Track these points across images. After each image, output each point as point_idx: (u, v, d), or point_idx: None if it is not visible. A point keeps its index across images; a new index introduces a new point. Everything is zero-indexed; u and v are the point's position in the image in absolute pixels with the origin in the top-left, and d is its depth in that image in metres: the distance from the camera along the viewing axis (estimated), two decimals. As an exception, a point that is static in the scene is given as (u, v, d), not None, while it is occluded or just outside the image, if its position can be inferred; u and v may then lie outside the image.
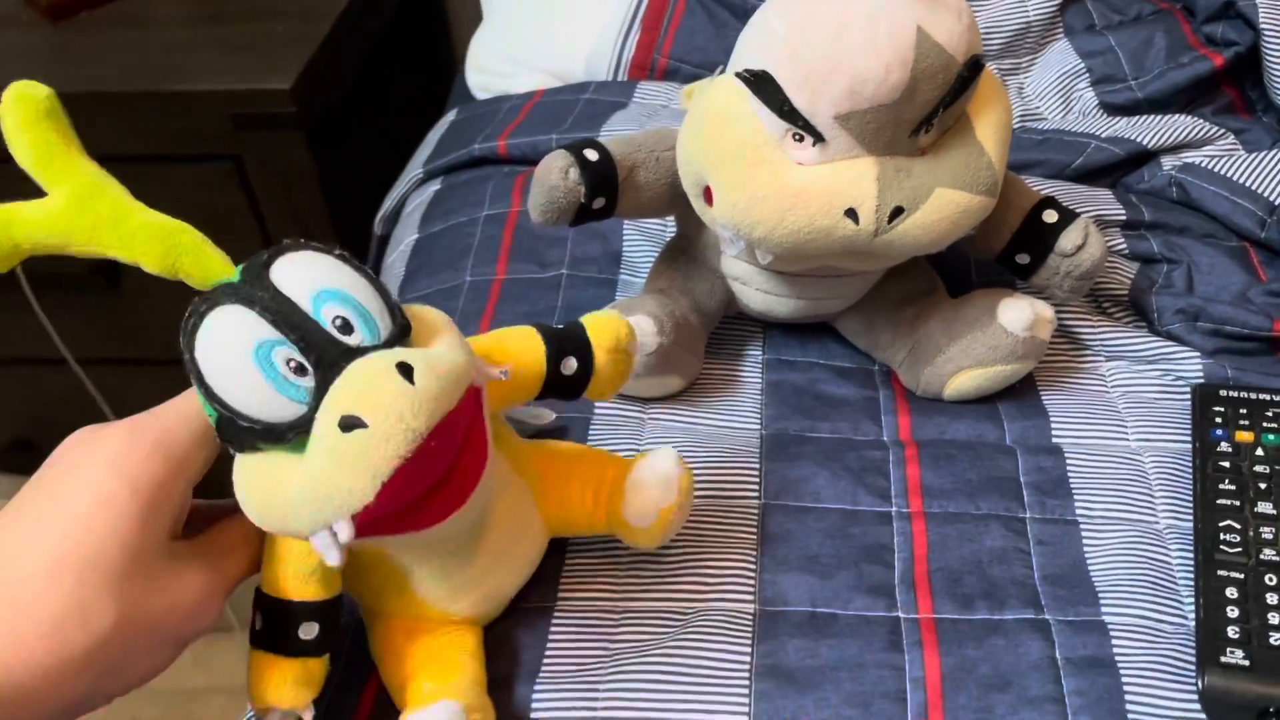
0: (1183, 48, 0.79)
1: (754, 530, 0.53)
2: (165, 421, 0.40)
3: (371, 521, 0.36)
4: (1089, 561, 0.51)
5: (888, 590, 0.50)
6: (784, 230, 0.49)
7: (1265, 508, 0.51)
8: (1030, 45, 0.85)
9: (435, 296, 0.70)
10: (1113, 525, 0.53)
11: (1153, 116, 0.76)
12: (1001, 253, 0.58)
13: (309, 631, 0.42)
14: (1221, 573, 0.48)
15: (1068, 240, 0.55)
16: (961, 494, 0.54)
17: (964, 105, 0.50)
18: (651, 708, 0.45)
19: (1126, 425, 0.58)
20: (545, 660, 0.48)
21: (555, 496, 0.49)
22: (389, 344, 0.38)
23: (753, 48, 0.50)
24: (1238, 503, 0.51)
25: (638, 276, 0.69)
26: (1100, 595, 0.49)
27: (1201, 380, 0.60)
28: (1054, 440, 0.57)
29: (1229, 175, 0.70)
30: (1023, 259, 0.57)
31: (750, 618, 0.49)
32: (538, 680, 0.47)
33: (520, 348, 0.46)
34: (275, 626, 0.42)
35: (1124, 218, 0.68)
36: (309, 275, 0.37)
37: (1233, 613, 0.46)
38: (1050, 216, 0.56)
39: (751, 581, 0.50)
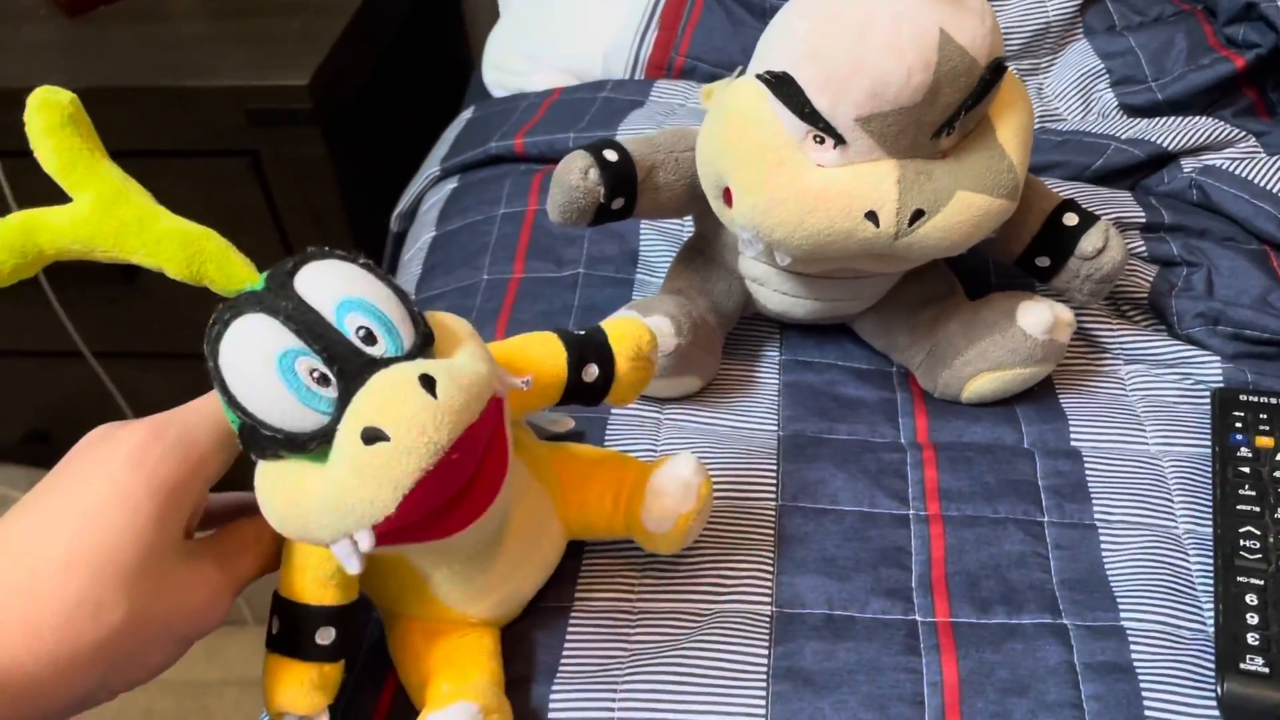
0: (1203, 49, 0.79)
1: (771, 532, 0.53)
2: (186, 421, 0.40)
3: (392, 531, 0.36)
4: (1107, 566, 0.51)
5: (905, 593, 0.50)
6: (804, 232, 0.49)
7: (1286, 514, 0.50)
8: (1050, 46, 0.85)
9: (452, 294, 0.70)
10: (1131, 530, 0.53)
11: (1173, 118, 0.76)
12: (1021, 256, 0.58)
13: (325, 636, 0.42)
14: (1241, 579, 0.48)
15: (1088, 243, 0.55)
16: (979, 497, 0.54)
17: (986, 108, 0.50)
18: (669, 708, 0.45)
19: (1146, 429, 0.58)
20: (563, 661, 0.48)
21: (574, 500, 0.49)
22: (412, 355, 0.38)
23: (774, 48, 0.50)
24: (1258, 508, 0.51)
25: (654, 276, 0.69)
26: (1119, 600, 0.49)
27: (1221, 384, 0.60)
28: (1072, 444, 0.57)
29: (1249, 178, 0.69)
30: (1042, 262, 0.57)
31: (767, 619, 0.49)
32: (555, 680, 0.47)
33: (542, 355, 0.46)
34: (292, 631, 0.42)
35: (1143, 220, 0.68)
36: (333, 284, 0.37)
37: (1252, 619, 0.46)
38: (1070, 219, 0.56)
39: (768, 583, 0.50)
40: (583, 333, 0.47)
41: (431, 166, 0.85)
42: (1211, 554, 0.51)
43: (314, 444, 0.36)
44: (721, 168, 0.51)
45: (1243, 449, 0.54)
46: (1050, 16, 0.84)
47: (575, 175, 0.55)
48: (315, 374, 0.36)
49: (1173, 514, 0.53)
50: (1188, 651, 0.47)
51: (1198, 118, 0.75)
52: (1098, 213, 0.57)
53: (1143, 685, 0.46)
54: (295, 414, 0.36)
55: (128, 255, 0.36)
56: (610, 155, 0.56)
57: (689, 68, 0.88)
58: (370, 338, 0.37)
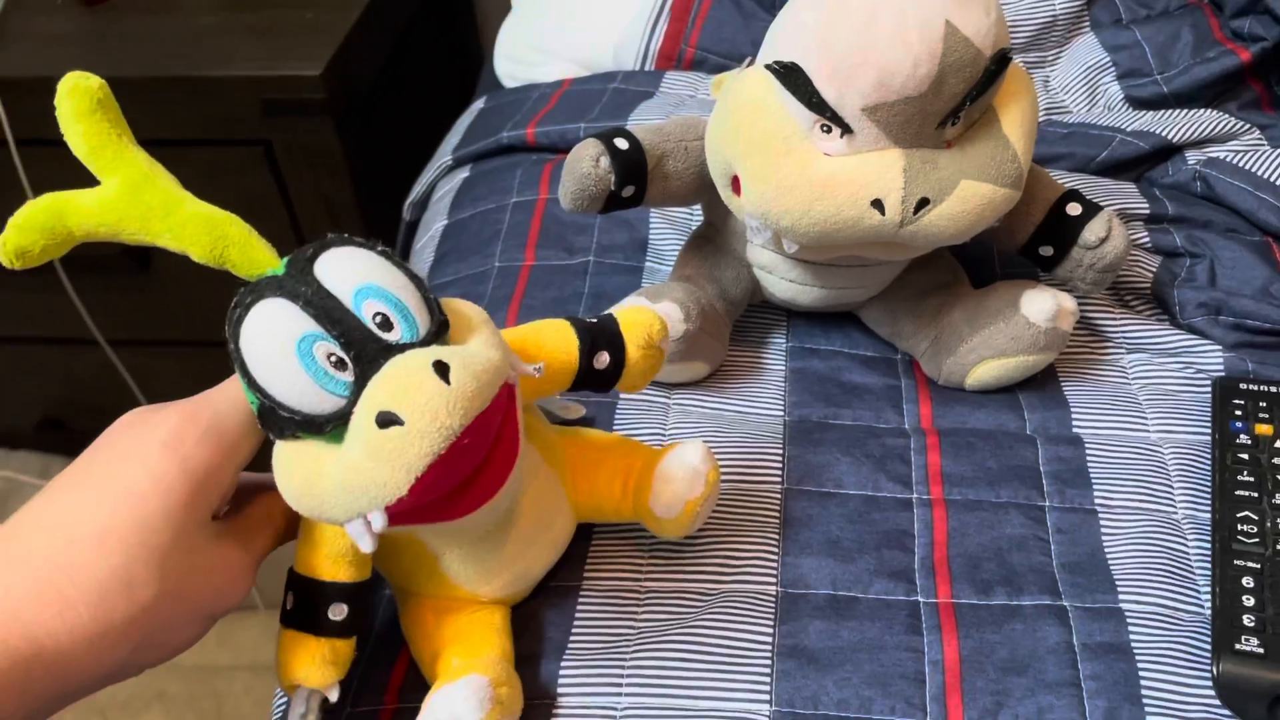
0: (1209, 43, 0.79)
1: (776, 514, 0.54)
2: (217, 407, 0.41)
3: (404, 512, 0.37)
4: (1107, 550, 0.52)
5: (908, 575, 0.51)
6: (810, 220, 0.50)
7: (1283, 500, 0.51)
8: (1056, 39, 0.85)
9: (465, 281, 0.71)
10: (1131, 515, 0.53)
11: (1178, 111, 0.76)
12: (1025, 245, 0.58)
13: (338, 612, 0.43)
14: (1238, 562, 0.49)
15: (1091, 233, 0.56)
16: (982, 482, 0.55)
17: (991, 98, 0.51)
18: (675, 685, 0.46)
19: (1147, 417, 0.59)
20: (572, 638, 0.49)
21: (584, 485, 0.50)
22: (427, 341, 0.39)
23: (783, 39, 0.50)
24: (1256, 494, 0.52)
25: (663, 264, 0.70)
26: (1118, 583, 0.50)
27: (1222, 373, 0.60)
28: (1074, 430, 0.58)
29: (1253, 170, 0.70)
30: (1046, 251, 0.58)
31: (772, 599, 0.50)
32: (564, 657, 0.48)
33: (554, 342, 0.47)
34: (306, 606, 0.43)
35: (1147, 211, 0.69)
36: (352, 271, 0.38)
37: (1248, 601, 0.47)
38: (1074, 209, 0.57)
39: (774, 564, 0.51)
40: (594, 320, 0.48)
41: (444, 156, 0.86)
42: (1209, 538, 0.52)
43: (330, 426, 0.37)
44: (730, 156, 0.52)
45: (1242, 436, 0.55)
46: (1057, 10, 0.85)
47: (587, 163, 0.56)
48: (333, 358, 0.37)
49: (1172, 499, 0.54)
50: (1185, 633, 0.48)
51: (1203, 110, 0.76)
52: (1102, 204, 0.58)
53: (1140, 665, 0.47)
54: (313, 397, 0.37)
55: (153, 238, 0.38)
56: (621, 143, 0.57)
57: (698, 59, 0.88)
58: (387, 324, 0.38)
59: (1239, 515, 0.51)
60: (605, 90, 0.85)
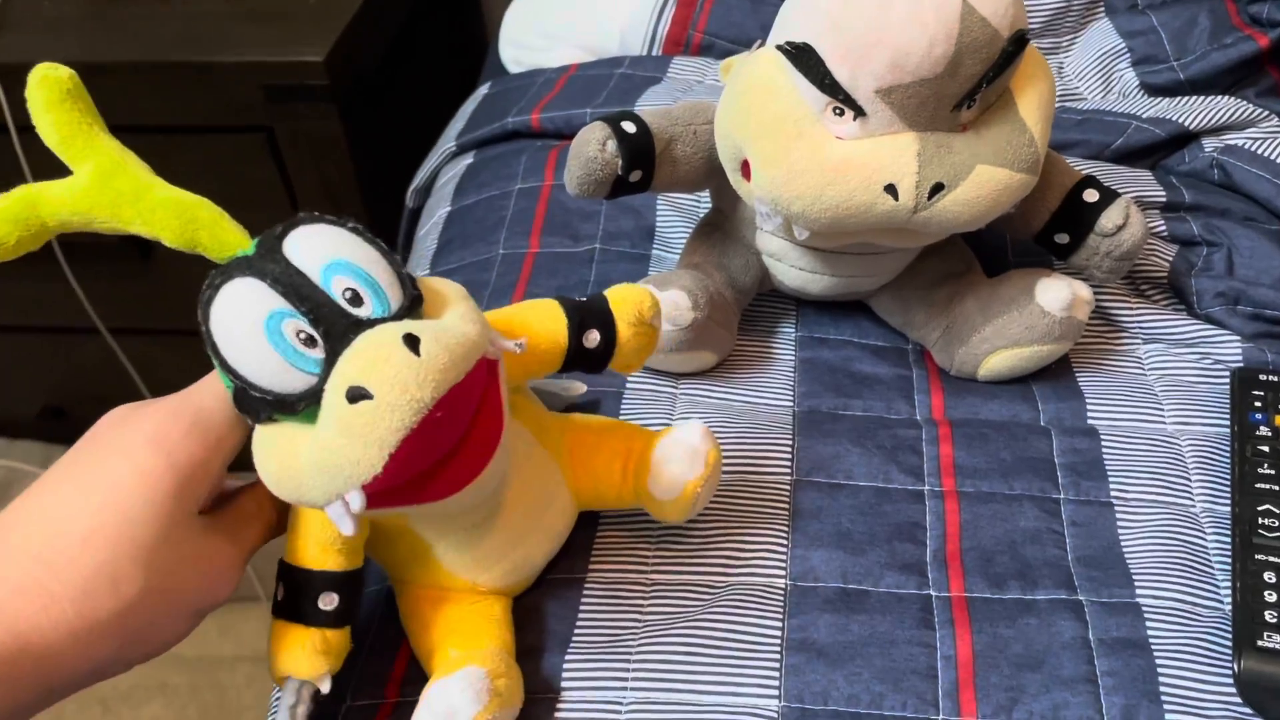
0: (1226, 28, 0.78)
1: (786, 506, 0.53)
2: (202, 401, 0.40)
3: (383, 492, 0.36)
4: (1123, 543, 0.51)
5: (919, 568, 0.50)
6: (822, 205, 0.49)
7: (1304, 493, 0.50)
8: (1071, 24, 0.84)
9: (468, 269, 0.70)
10: (1148, 508, 0.52)
11: (1195, 98, 0.75)
12: (1040, 232, 0.57)
13: (329, 602, 0.42)
14: (1260, 557, 0.48)
15: (1108, 220, 0.55)
16: (995, 474, 0.54)
17: (1007, 81, 0.50)
18: (682, 680, 0.46)
19: (1163, 408, 0.58)
20: (576, 631, 0.48)
21: (584, 470, 0.49)
22: (399, 316, 0.38)
23: (794, 19, 0.49)
24: (1277, 487, 0.51)
25: (670, 251, 0.69)
26: (1134, 577, 0.49)
27: (1240, 364, 0.59)
28: (1089, 422, 0.57)
29: (1272, 158, 0.69)
30: (1061, 239, 0.57)
31: (781, 592, 0.49)
32: (568, 650, 0.47)
33: (541, 320, 0.46)
34: (296, 596, 0.42)
35: (1164, 199, 0.68)
36: (320, 248, 0.38)
37: (1270, 597, 0.46)
38: (1091, 196, 0.56)
39: (783, 557, 0.50)
40: (584, 300, 0.47)
41: (447, 142, 0.85)
42: (1229, 532, 0.50)
43: (303, 405, 0.37)
44: (740, 139, 0.51)
45: (1262, 428, 0.54)
46: (1071, -6, 0.83)
47: (593, 147, 0.55)
48: (302, 335, 0.36)
49: (1190, 492, 0.53)
50: (1204, 628, 0.47)
51: (1220, 97, 0.75)
52: (1118, 191, 0.57)
53: (1158, 661, 0.46)
54: (284, 375, 0.36)
55: (125, 225, 0.37)
56: (628, 127, 0.56)
57: (706, 44, 0.87)
58: (357, 299, 0.37)
59: (1260, 509, 0.50)
60: (612, 76, 0.84)
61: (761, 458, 0.55)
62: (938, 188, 0.49)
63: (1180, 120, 0.73)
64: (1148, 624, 0.47)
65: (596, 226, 0.71)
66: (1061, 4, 0.83)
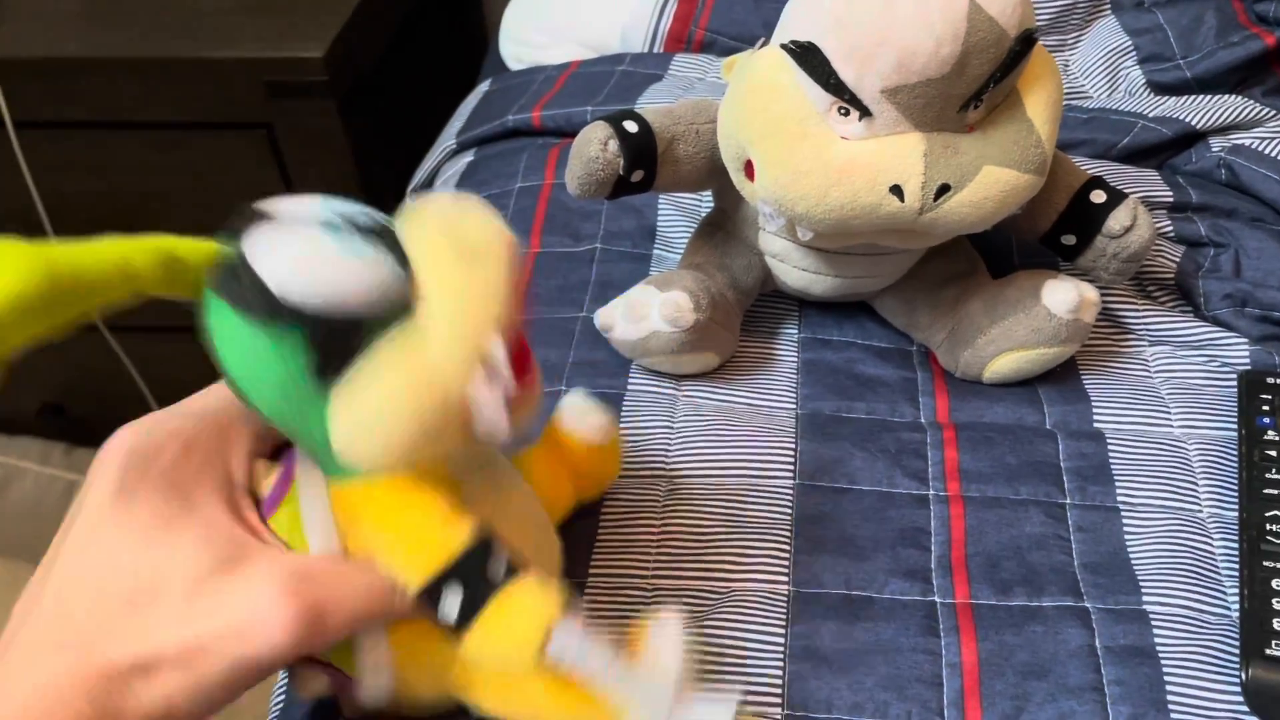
0: (1234, 26, 0.77)
1: (788, 511, 0.52)
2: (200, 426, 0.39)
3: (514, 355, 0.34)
4: (1130, 549, 0.50)
5: (924, 574, 0.49)
6: (827, 206, 0.49)
7: (1314, 498, 0.50)
8: (1077, 22, 0.83)
9: (468, 268, 0.69)
10: (1155, 513, 0.52)
11: (1201, 96, 0.74)
12: (1047, 233, 0.57)
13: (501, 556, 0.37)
14: (1268, 564, 0.47)
15: (1116, 221, 0.54)
16: (1000, 478, 0.53)
17: (1014, 81, 0.49)
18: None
19: (1170, 411, 0.57)
20: (577, 637, 0.47)
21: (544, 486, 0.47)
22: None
23: (799, 18, 0.49)
24: (1285, 493, 0.50)
25: (672, 251, 0.68)
26: (1141, 584, 0.49)
27: (1248, 367, 0.59)
28: (1095, 425, 0.56)
29: (1278, 158, 0.68)
30: (1068, 240, 0.56)
31: (784, 599, 0.48)
32: (569, 656, 0.47)
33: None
34: (474, 580, 0.36)
35: (1171, 200, 0.67)
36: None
37: (1278, 604, 0.46)
38: (1098, 197, 0.55)
39: (785, 562, 0.50)
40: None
41: (448, 139, 0.85)
42: (1237, 538, 0.50)
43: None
44: (743, 139, 0.50)
45: (1270, 432, 0.53)
46: (1077, -9, 0.82)
47: (594, 146, 0.54)
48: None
49: (1197, 497, 0.53)
50: (1212, 636, 0.46)
51: (1227, 96, 0.74)
52: (1125, 192, 0.56)
53: (1165, 669, 0.45)
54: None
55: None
56: (630, 126, 0.55)
57: (708, 41, 0.86)
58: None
59: (1268, 514, 0.49)
60: (613, 73, 0.83)
61: (764, 461, 0.54)
62: (944, 189, 0.48)
63: (1187, 119, 0.72)
64: (1155, 631, 0.46)
65: (598, 226, 0.70)
66: (1067, 1, 0.82)
